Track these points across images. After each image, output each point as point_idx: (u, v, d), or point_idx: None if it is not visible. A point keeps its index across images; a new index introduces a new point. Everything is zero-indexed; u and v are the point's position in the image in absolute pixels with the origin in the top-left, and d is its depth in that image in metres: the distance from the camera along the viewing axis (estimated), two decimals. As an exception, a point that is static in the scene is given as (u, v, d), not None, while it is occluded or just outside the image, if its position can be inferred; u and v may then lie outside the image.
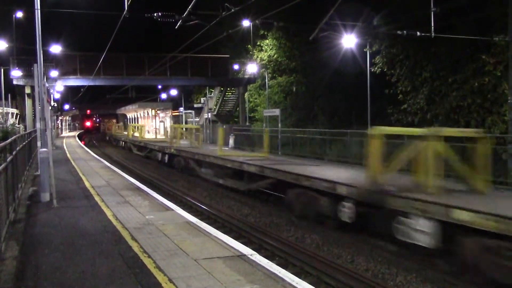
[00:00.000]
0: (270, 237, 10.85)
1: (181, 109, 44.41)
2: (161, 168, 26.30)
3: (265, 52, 34.50)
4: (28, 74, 29.07)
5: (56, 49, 29.72)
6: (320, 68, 28.81)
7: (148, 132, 53.83)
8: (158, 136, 43.77)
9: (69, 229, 7.77)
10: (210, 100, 40.44)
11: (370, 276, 8.44)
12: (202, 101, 43.10)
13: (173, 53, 28.14)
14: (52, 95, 37.05)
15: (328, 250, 10.09)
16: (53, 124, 33.26)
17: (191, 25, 15.03)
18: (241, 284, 5.11)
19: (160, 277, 5.34)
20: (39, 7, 12.16)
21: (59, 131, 64.70)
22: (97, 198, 10.74)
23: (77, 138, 52.54)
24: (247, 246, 7.04)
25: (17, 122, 37.62)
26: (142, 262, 5.89)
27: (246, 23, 24.92)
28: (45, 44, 28.23)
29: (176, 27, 15.27)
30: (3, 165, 7.20)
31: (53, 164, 10.62)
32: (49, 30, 29.57)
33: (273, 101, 34.17)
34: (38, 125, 11.41)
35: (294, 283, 5.13)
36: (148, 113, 62.05)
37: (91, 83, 33.34)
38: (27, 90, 30.45)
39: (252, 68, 33.85)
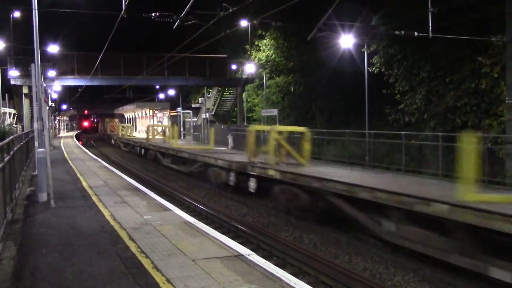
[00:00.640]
0: (267, 237, 10.85)
1: (179, 109, 44.39)
2: (159, 169, 26.29)
3: (263, 52, 34.52)
4: (26, 74, 29.04)
5: (53, 49, 29.71)
6: (318, 68, 28.82)
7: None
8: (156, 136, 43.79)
9: (66, 229, 7.76)
10: (208, 100, 40.41)
11: (367, 275, 8.45)
12: (200, 101, 43.05)
13: (171, 53, 28.13)
14: (49, 95, 37.06)
15: (325, 250, 10.11)
16: (50, 124, 33.20)
17: (189, 25, 15.01)
18: (239, 284, 5.12)
19: (158, 277, 5.34)
20: (36, 7, 12.13)
21: (57, 131, 64.63)
22: (94, 198, 10.73)
23: (74, 138, 52.45)
24: (245, 246, 7.05)
25: (14, 122, 37.52)
26: (139, 262, 5.88)
27: (244, 23, 24.96)
28: (43, 44, 28.25)
29: (174, 27, 15.25)
30: (0, 165, 7.18)
31: (50, 164, 10.60)
32: (47, 30, 29.63)
33: (271, 101, 34.19)
34: (35, 125, 11.36)
35: (291, 283, 5.13)
36: (145, 113, 61.99)
37: (89, 83, 33.27)
38: (25, 90, 30.38)
39: (250, 68, 33.85)
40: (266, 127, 21.38)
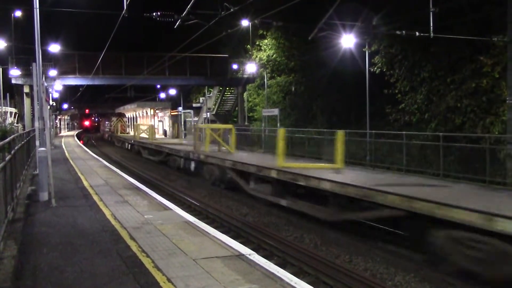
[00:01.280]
0: (268, 237, 10.85)
1: (180, 108, 44.37)
2: (160, 168, 26.30)
3: (264, 51, 34.50)
4: (27, 73, 29.04)
5: (55, 48, 29.67)
6: (319, 68, 28.82)
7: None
8: (156, 136, 43.88)
9: (67, 229, 7.76)
10: (209, 100, 40.41)
11: (368, 276, 8.45)
12: (201, 100, 43.07)
13: (172, 53, 28.15)
14: (50, 94, 37.01)
15: (326, 250, 10.10)
16: (51, 123, 33.23)
17: (190, 24, 15.03)
18: (239, 283, 5.12)
19: (158, 276, 5.34)
20: (38, 6, 12.14)
21: (58, 130, 64.64)
22: (95, 198, 10.74)
23: (75, 138, 52.47)
24: (245, 245, 7.05)
25: (15, 121, 37.55)
26: (140, 262, 5.89)
27: (245, 22, 24.94)
28: (44, 43, 28.17)
29: (175, 27, 15.26)
30: (1, 164, 7.19)
31: (51, 163, 10.62)
32: (48, 29, 29.64)
33: (272, 101, 34.17)
34: (36, 124, 11.36)
35: (292, 283, 5.13)
36: (146, 113, 61.96)
37: (90, 83, 33.29)
38: (26, 89, 30.39)
39: (251, 68, 33.84)
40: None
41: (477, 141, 15.51)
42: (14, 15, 31.16)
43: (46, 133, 11.36)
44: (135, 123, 60.57)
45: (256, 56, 34.83)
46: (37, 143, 11.18)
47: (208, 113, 37.78)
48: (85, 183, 13.25)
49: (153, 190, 12.32)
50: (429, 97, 19.82)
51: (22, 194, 11.12)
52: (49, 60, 30.70)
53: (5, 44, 30.31)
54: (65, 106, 76.89)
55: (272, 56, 33.88)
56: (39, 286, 5.19)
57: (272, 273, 5.44)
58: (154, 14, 14.39)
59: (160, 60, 30.55)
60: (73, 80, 33.26)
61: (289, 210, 13.27)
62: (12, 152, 9.17)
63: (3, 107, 34.36)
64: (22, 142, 13.63)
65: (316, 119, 29.74)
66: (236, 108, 37.47)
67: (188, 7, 13.63)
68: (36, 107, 11.65)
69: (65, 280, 5.30)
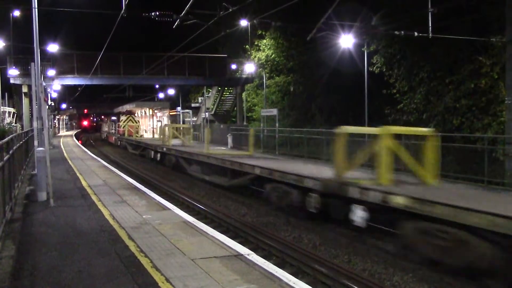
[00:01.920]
0: (267, 237, 10.85)
1: (179, 108, 44.35)
2: (158, 168, 26.28)
3: (263, 51, 34.50)
4: (25, 73, 29.03)
5: (53, 48, 29.68)
6: (318, 68, 28.84)
7: (146, 131, 53.76)
8: (155, 136, 43.77)
9: (66, 229, 7.76)
10: (208, 100, 40.39)
11: (367, 276, 8.45)
12: (199, 100, 43.07)
13: (170, 53, 28.12)
14: (49, 94, 37.01)
15: (325, 250, 10.10)
16: (50, 123, 33.20)
17: (188, 24, 15.02)
18: (238, 283, 5.12)
19: (157, 276, 5.34)
20: (36, 6, 12.12)
21: (56, 130, 64.54)
22: (94, 198, 10.73)
23: (74, 138, 52.41)
24: (244, 245, 7.05)
25: (14, 121, 37.49)
26: (139, 262, 5.88)
27: (244, 22, 24.92)
28: (42, 43, 28.22)
29: (173, 27, 15.25)
30: (0, 164, 7.18)
31: (50, 163, 10.59)
32: (47, 29, 29.63)
33: (271, 101, 34.19)
34: (35, 124, 11.35)
35: (291, 283, 5.13)
36: (145, 113, 61.91)
37: (89, 82, 33.24)
38: (24, 89, 30.37)
39: (249, 68, 33.85)
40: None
41: (474, 142, 15.54)
42: (12, 14, 31.11)
43: (44, 133, 11.34)
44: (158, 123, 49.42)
45: (255, 56, 34.84)
46: (36, 143, 11.17)
47: (206, 113, 37.75)
48: (84, 183, 13.24)
49: (151, 190, 12.31)
50: (428, 97, 19.84)
51: (20, 194, 11.11)
52: (48, 59, 30.68)
53: (4, 44, 30.25)
54: (64, 106, 76.82)
55: (271, 56, 33.89)
56: (37, 286, 5.18)
57: (271, 273, 5.44)
58: (153, 14, 14.37)
59: (158, 60, 30.51)
60: (71, 80, 33.22)
61: (289, 210, 13.27)
62: (11, 152, 9.16)
63: (2, 107, 34.27)
64: (21, 142, 13.61)
65: (315, 119, 29.75)
66: (235, 108, 37.48)
67: (187, 7, 13.62)
68: (35, 107, 11.64)
69: (63, 280, 5.29)
